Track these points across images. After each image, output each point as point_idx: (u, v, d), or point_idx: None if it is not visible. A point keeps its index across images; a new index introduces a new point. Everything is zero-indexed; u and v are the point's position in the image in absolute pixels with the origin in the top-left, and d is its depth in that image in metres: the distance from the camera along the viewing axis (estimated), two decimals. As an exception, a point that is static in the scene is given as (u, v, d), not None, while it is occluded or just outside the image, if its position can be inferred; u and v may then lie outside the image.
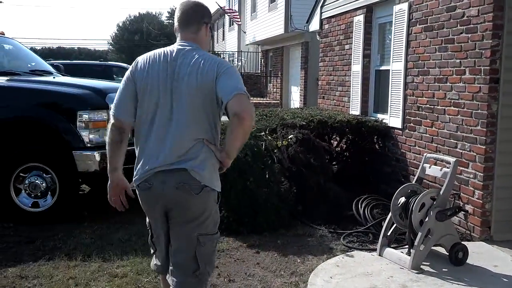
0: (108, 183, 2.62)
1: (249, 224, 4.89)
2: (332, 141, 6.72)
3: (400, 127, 6.12)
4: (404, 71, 6.02)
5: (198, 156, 2.45)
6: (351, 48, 7.57)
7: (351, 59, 7.60)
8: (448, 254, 4.15)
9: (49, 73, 6.54)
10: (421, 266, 4.02)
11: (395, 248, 4.37)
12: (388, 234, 4.36)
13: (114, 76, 12.58)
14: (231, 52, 24.72)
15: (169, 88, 2.46)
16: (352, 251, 4.53)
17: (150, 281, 3.82)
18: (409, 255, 4.05)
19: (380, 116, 6.78)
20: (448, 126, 5.17)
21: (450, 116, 5.14)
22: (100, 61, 17.06)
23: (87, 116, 5.13)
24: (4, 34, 7.08)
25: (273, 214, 4.98)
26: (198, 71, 2.43)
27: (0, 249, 4.49)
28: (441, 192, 4.13)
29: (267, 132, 5.59)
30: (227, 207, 4.81)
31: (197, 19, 2.59)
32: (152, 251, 2.75)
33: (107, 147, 2.59)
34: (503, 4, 4.54)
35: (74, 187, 5.38)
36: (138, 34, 52.56)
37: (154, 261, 2.75)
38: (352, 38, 7.55)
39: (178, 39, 2.60)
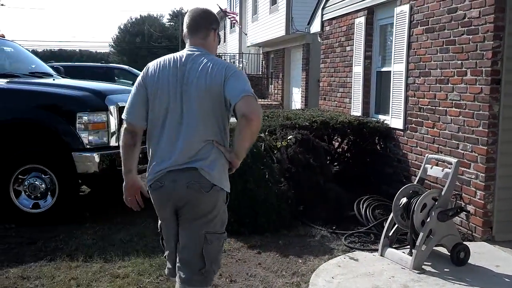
0: (123, 184, 2.70)
1: (250, 225, 4.90)
2: (333, 142, 6.73)
3: (402, 128, 6.12)
4: (405, 72, 6.02)
5: (208, 156, 2.52)
6: (352, 50, 7.58)
7: (352, 61, 7.61)
8: (449, 254, 4.15)
9: (49, 75, 6.54)
10: (423, 266, 4.02)
11: (396, 248, 4.37)
12: (390, 234, 4.36)
13: (116, 78, 12.59)
14: (232, 54, 24.74)
15: (179, 92, 2.53)
16: (354, 251, 4.53)
17: (152, 282, 3.82)
18: (411, 255, 4.05)
19: (381, 117, 6.78)
20: (450, 127, 5.17)
21: (452, 117, 5.14)
22: (101, 63, 17.05)
23: (86, 117, 5.15)
24: (4, 37, 7.10)
25: (274, 214, 4.98)
26: (206, 75, 2.51)
27: (2, 250, 4.49)
28: (443, 193, 4.13)
29: (266, 133, 5.60)
30: (227, 208, 4.80)
31: (205, 26, 2.68)
32: (164, 254, 2.80)
33: (121, 150, 2.67)
34: (504, 5, 4.54)
35: (73, 188, 5.38)
36: (139, 36, 52.69)
37: (167, 265, 2.80)
38: (353, 39, 7.55)
39: (187, 44, 2.68)
